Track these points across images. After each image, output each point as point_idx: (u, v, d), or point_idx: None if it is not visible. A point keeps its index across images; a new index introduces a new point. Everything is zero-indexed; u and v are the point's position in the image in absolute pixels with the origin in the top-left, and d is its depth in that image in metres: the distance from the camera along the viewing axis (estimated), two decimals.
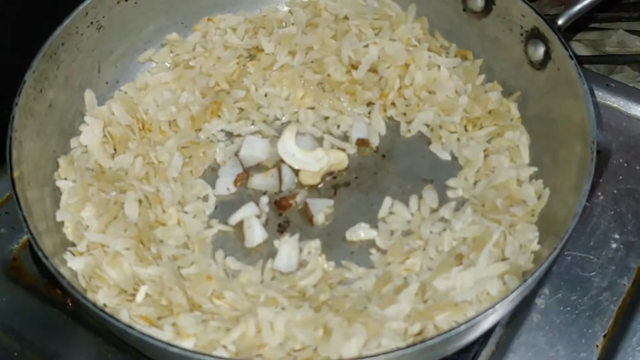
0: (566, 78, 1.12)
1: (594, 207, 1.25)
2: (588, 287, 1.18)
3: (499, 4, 1.22)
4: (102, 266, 1.05)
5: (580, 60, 1.61)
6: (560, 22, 1.16)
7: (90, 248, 1.08)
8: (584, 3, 1.16)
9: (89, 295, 1.02)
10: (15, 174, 1.03)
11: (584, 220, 1.22)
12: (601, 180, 1.28)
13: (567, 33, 1.14)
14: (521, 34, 1.20)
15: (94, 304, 0.92)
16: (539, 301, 1.17)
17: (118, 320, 0.91)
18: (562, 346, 1.13)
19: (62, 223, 1.11)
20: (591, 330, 1.14)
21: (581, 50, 1.65)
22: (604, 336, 1.14)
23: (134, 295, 1.04)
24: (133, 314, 1.00)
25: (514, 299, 0.92)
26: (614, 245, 1.21)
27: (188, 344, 0.97)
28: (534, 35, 1.17)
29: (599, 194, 1.26)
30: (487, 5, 1.24)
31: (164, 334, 0.98)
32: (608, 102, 1.37)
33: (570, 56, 1.11)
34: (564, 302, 1.17)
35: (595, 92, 1.37)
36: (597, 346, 1.13)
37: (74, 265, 1.05)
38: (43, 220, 1.07)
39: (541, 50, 1.17)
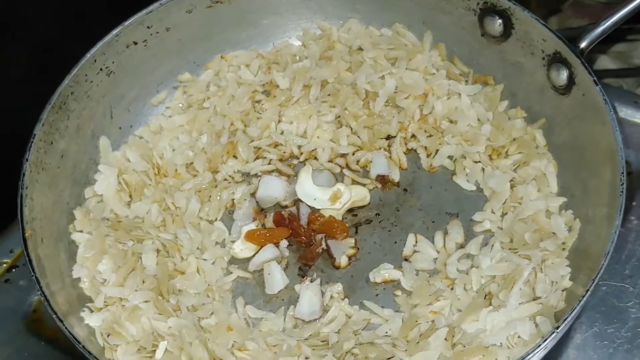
0: (592, 104, 1.07)
1: (628, 232, 1.20)
2: (625, 319, 1.14)
3: (518, 28, 1.17)
4: (121, 322, 1.03)
5: (608, 74, 1.58)
6: (582, 45, 1.10)
7: (107, 303, 1.06)
8: (606, 24, 1.10)
9: (107, 354, 1.00)
10: (27, 233, 1.00)
11: (618, 248, 1.16)
12: (634, 203, 1.23)
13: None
14: (543, 58, 1.15)
15: None
16: (575, 335, 1.13)
17: None
18: None
19: (78, 278, 1.08)
20: None
21: (608, 62, 1.60)
22: None
23: (153, 351, 1.01)
24: None
25: (546, 346, 0.88)
26: None
27: None
28: (556, 60, 1.12)
29: (632, 218, 1.22)
30: (506, 29, 1.19)
31: None
32: (637, 120, 1.32)
33: (594, 82, 1.06)
34: (600, 336, 1.13)
35: (624, 109, 1.32)
36: None
37: (91, 322, 1.03)
38: (58, 278, 1.05)
39: (564, 74, 1.12)
